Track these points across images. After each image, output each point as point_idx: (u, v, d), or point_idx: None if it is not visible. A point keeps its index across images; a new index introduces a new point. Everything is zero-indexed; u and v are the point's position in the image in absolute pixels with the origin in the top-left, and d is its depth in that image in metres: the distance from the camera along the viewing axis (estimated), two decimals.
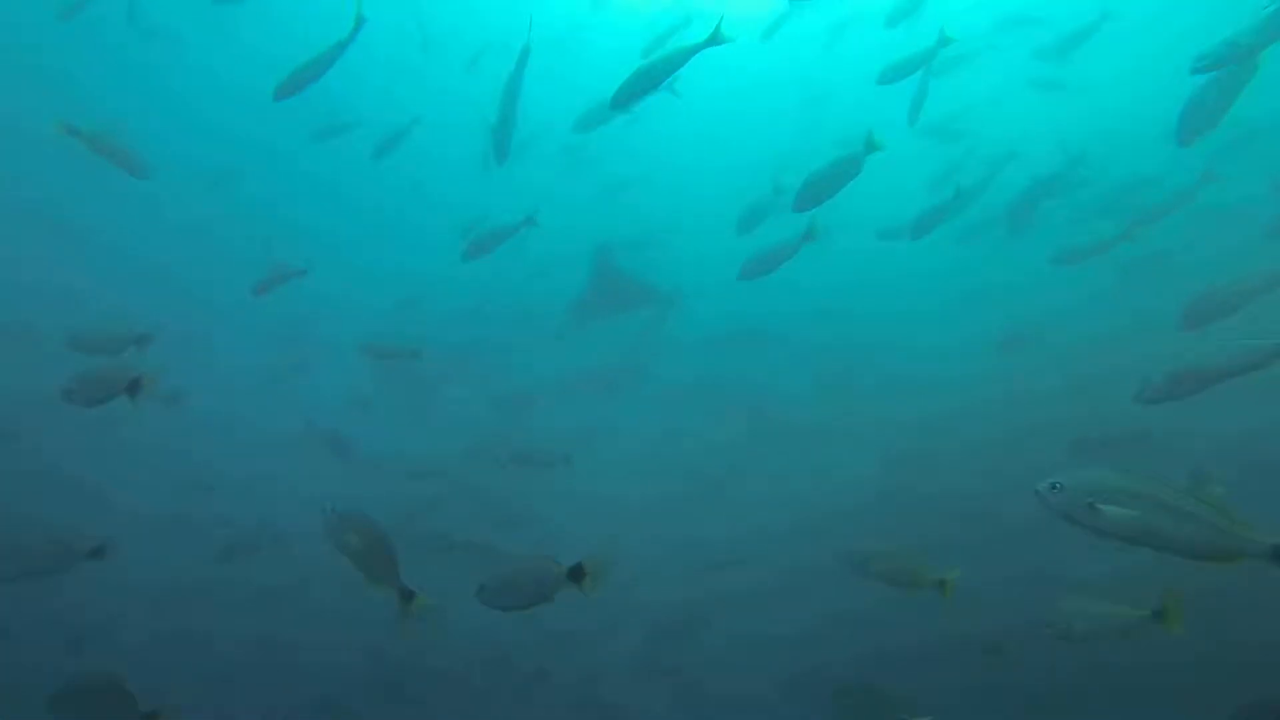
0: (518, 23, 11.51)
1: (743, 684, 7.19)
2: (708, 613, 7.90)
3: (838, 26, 10.58)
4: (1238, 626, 5.05)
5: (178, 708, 3.27)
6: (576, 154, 10.85)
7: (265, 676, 7.09)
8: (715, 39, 5.25)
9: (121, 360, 4.11)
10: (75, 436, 8.52)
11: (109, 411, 9.06)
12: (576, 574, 3.00)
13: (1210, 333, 4.86)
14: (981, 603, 5.12)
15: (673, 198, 12.87)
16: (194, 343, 10.54)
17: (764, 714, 6.92)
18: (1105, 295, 9.35)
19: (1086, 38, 8.36)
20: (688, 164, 13.51)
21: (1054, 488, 2.40)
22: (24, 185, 11.15)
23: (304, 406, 10.26)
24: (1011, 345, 9.86)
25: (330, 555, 3.11)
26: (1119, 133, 9.66)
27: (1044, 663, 5.38)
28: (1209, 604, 3.64)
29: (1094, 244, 6.58)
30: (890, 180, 9.45)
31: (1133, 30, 9.13)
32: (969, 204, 6.96)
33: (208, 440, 9.97)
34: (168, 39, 10.76)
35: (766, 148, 11.86)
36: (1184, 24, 8.90)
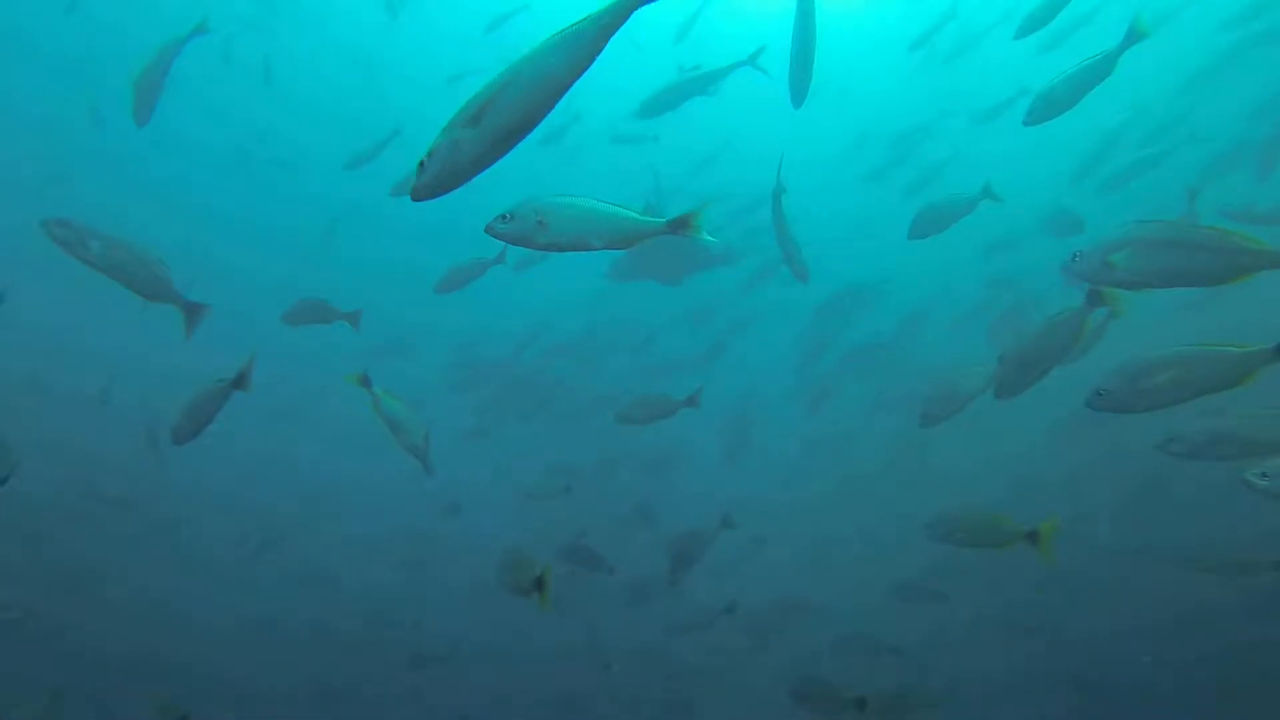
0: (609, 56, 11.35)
1: None
2: None
3: None
4: None
5: None
6: (642, 144, 10.30)
7: None
8: (751, 62, 5.47)
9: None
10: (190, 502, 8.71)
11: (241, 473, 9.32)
12: None
13: None
14: None
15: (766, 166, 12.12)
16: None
17: None
18: None
19: None
20: (780, 132, 12.71)
21: (1074, 258, 2.67)
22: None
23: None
24: None
25: None
26: None
27: None
28: None
29: None
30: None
31: None
32: None
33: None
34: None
35: (875, 111, 10.97)
36: None
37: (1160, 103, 8.62)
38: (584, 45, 1.83)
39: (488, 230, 2.33)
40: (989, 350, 9.22)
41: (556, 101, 1.84)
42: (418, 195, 1.83)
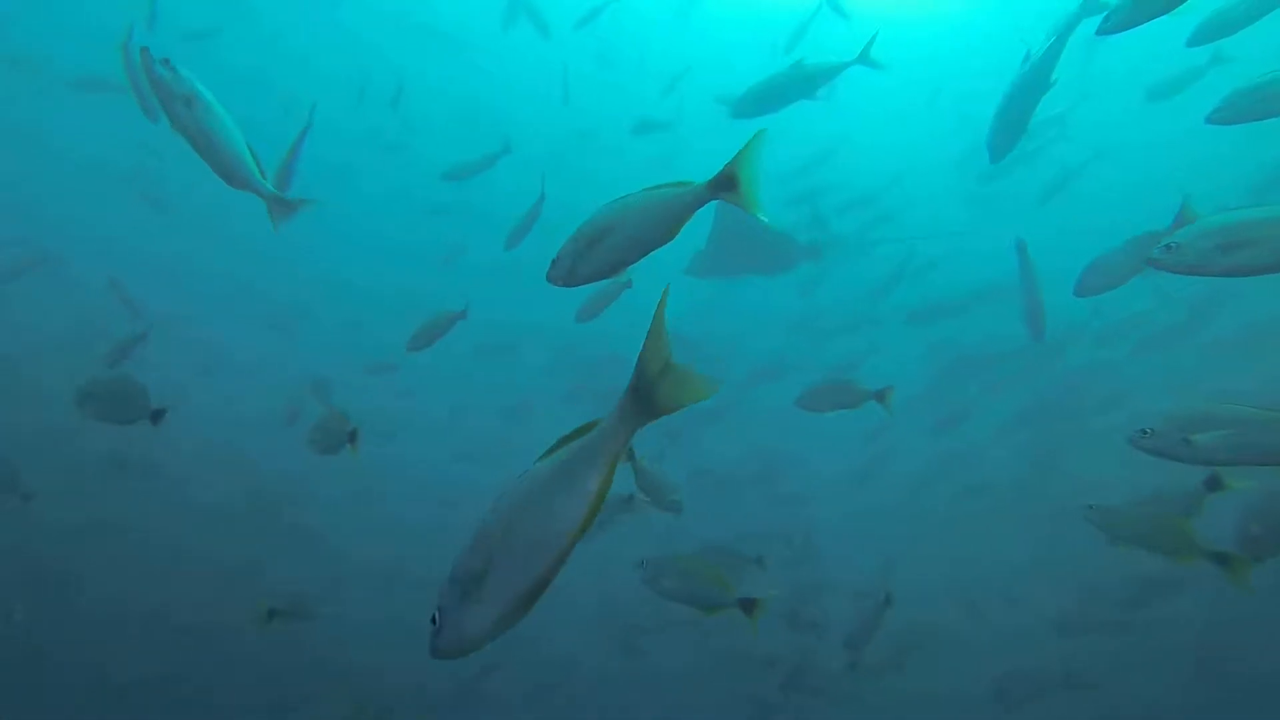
0: (714, 48, 11.43)
1: None
2: None
3: None
4: None
5: None
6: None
7: None
8: (865, 58, 4.82)
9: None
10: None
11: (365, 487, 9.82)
12: None
13: None
14: None
15: (887, 158, 11.70)
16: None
17: None
18: None
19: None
20: (894, 137, 12.30)
21: (1145, 433, 2.64)
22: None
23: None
24: None
25: None
26: None
27: None
28: None
29: None
30: None
31: None
32: None
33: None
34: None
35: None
36: None
37: None
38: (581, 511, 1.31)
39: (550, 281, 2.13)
40: (1133, 361, 8.50)
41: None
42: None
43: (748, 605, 3.05)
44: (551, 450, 1.34)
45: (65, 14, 10.12)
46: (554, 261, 2.09)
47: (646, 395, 1.28)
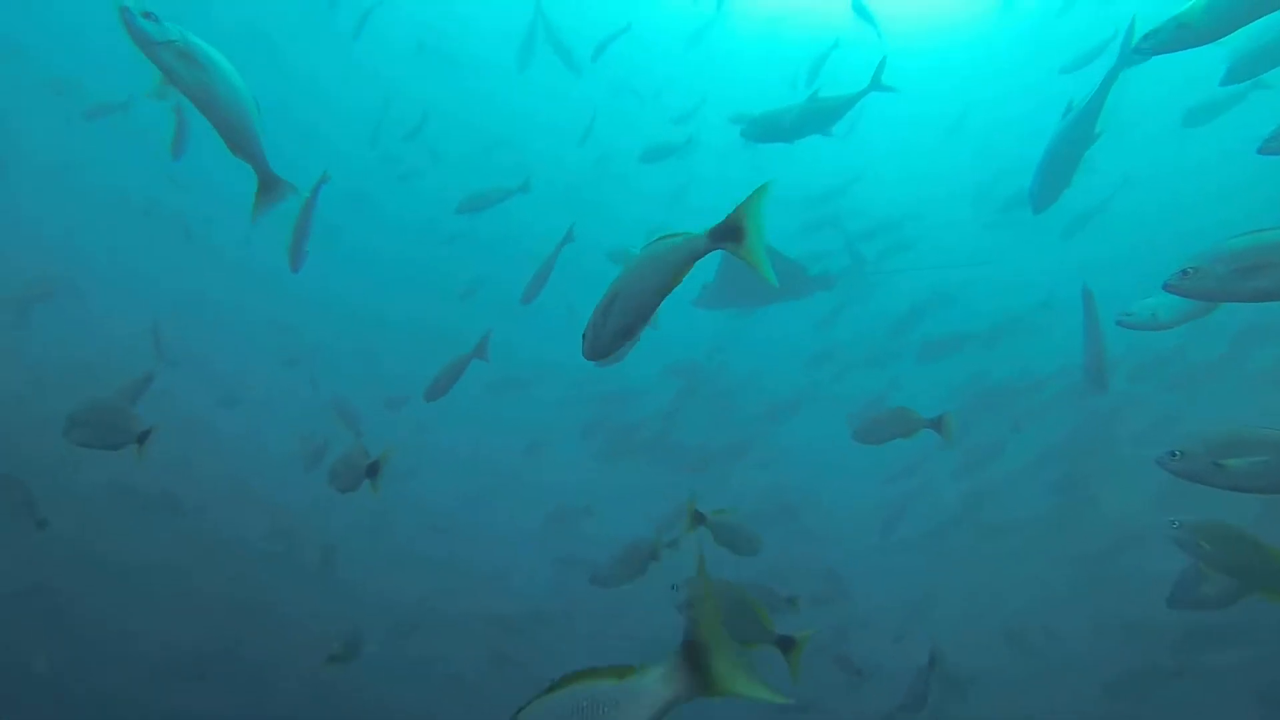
0: (729, 82, 11.47)
1: None
2: None
3: None
4: None
5: None
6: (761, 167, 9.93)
7: None
8: (876, 84, 4.73)
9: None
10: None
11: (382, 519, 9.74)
12: None
13: None
14: None
15: (908, 188, 11.60)
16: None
17: None
18: None
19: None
20: (913, 166, 12.25)
21: (1174, 455, 2.54)
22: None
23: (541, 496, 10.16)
24: None
25: None
26: None
27: None
28: None
29: None
30: None
31: None
32: None
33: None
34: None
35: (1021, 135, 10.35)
36: None
37: None
38: None
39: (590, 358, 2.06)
40: (1171, 394, 8.26)
41: None
42: None
43: (786, 644, 2.85)
44: (565, 682, 1.13)
45: (96, 37, 10.28)
46: (583, 338, 2.01)
47: (700, 669, 1.08)
